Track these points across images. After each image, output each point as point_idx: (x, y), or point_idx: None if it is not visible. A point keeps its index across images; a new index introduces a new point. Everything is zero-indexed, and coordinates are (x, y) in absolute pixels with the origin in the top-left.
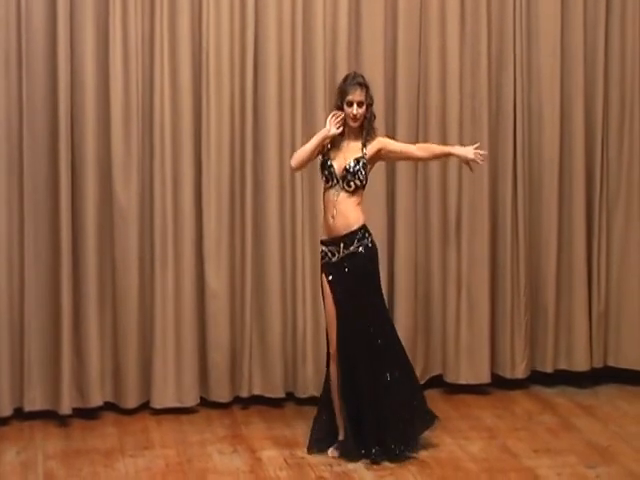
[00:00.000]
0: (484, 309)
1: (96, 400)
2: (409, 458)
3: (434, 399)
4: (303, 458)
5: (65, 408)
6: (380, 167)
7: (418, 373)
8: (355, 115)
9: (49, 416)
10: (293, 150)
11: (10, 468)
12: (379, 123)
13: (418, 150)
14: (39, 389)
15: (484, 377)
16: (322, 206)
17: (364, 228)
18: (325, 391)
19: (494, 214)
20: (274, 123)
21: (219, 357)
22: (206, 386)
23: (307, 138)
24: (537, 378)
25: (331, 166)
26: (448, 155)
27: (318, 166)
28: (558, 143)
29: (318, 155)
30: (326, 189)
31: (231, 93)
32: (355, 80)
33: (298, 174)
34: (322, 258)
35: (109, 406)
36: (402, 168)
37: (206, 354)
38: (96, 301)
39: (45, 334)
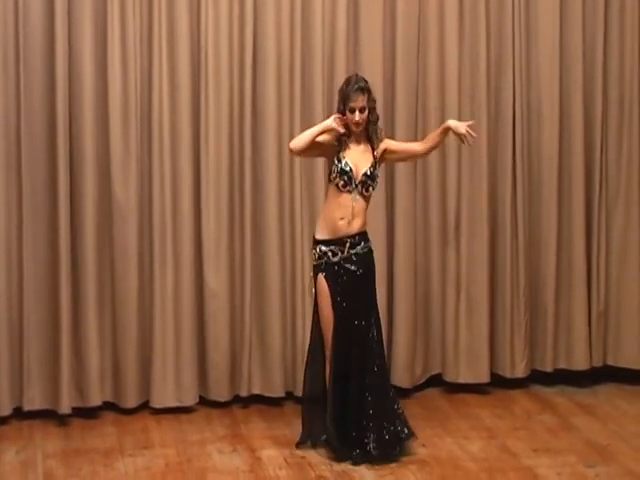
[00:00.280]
0: (484, 309)
1: (95, 399)
2: (391, 462)
3: (434, 398)
4: (303, 457)
5: (64, 407)
6: (380, 168)
7: (418, 373)
8: (358, 122)
9: (48, 415)
10: None
11: (10, 468)
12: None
13: (418, 145)
14: (38, 388)
15: (484, 376)
16: (320, 205)
17: (366, 230)
18: (310, 389)
19: (493, 214)
20: (273, 122)
21: (219, 356)
22: (205, 385)
23: None
24: (537, 377)
25: (350, 171)
26: (445, 131)
27: (335, 171)
28: (557, 142)
29: (319, 154)
30: (340, 193)
31: (230, 91)
32: (357, 85)
33: (297, 174)
34: (318, 258)
35: (108, 405)
36: (401, 169)
37: (205, 353)
38: (95, 300)
39: (44, 333)
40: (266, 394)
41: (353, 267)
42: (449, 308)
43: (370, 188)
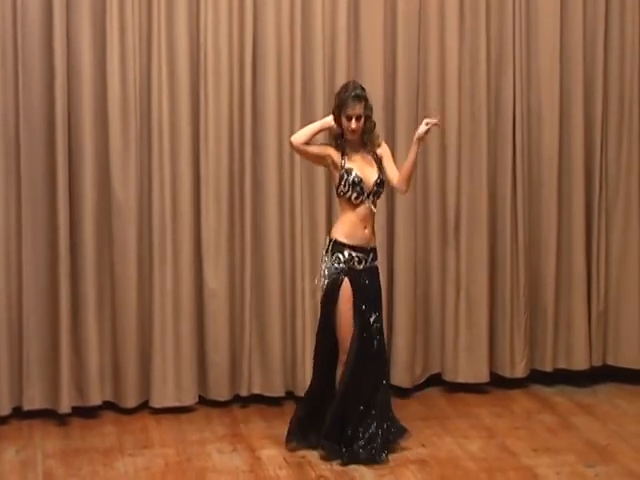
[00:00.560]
0: (483, 308)
1: (95, 399)
2: (379, 463)
3: (433, 397)
4: (303, 457)
5: (64, 407)
6: None
7: (417, 372)
8: (354, 129)
9: (48, 415)
10: None
11: (9, 467)
12: (379, 123)
13: (396, 177)
14: (38, 388)
15: (483, 376)
16: (320, 205)
17: None
18: (313, 390)
19: (493, 214)
20: (273, 121)
21: (218, 356)
22: (205, 385)
23: None
24: (536, 377)
25: (361, 181)
26: (417, 145)
27: (344, 185)
28: (557, 142)
29: (316, 161)
30: (354, 205)
31: (230, 91)
32: (354, 92)
33: (297, 173)
34: (346, 262)
35: (108, 405)
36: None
37: (205, 353)
38: (95, 300)
39: (44, 333)
40: (266, 394)
41: (367, 280)
42: (449, 308)
43: (380, 196)
